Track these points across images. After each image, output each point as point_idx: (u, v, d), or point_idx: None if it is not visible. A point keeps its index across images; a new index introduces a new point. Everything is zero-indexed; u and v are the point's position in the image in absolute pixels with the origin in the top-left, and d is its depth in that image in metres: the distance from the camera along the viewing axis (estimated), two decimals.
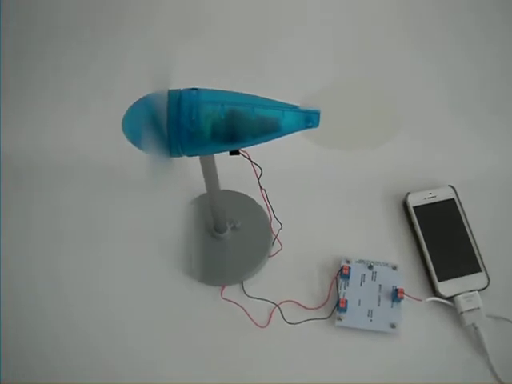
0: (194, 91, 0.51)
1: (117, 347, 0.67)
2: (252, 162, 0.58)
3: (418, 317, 0.68)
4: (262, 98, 0.52)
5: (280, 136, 0.51)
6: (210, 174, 0.59)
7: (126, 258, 0.73)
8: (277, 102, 0.52)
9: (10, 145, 0.83)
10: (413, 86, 0.80)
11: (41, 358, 0.67)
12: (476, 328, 0.66)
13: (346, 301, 0.67)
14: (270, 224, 0.73)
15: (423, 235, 0.71)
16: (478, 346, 0.65)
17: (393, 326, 0.67)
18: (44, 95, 0.84)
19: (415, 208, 0.73)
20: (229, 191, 0.76)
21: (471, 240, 0.71)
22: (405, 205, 0.75)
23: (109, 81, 0.80)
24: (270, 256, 0.72)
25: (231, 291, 0.70)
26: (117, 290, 0.71)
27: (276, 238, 0.72)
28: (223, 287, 0.70)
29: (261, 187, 0.64)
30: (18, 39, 0.82)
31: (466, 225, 0.72)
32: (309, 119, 0.51)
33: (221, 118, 0.50)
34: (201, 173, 0.62)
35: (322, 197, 0.77)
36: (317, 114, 0.51)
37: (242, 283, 0.71)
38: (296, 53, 0.80)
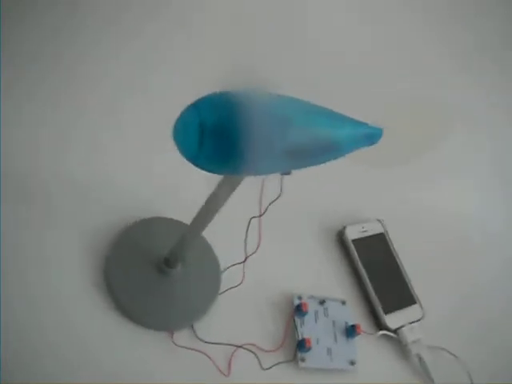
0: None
1: None
2: None
3: (370, 351, 0.68)
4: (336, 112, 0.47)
5: (341, 155, 0.47)
6: (220, 199, 0.51)
7: None
8: (348, 118, 0.47)
9: None
10: None
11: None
12: (421, 358, 0.68)
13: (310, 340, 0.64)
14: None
15: (364, 269, 0.72)
16: (425, 375, 0.68)
17: (352, 362, 0.65)
18: None
19: (353, 241, 0.74)
20: (165, 218, 0.66)
21: (403, 273, 0.74)
22: (340, 238, 0.75)
23: None
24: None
25: (181, 336, 0.61)
26: None
27: None
28: (172, 332, 0.61)
29: None
30: None
31: (396, 258, 0.75)
32: (371, 136, 0.48)
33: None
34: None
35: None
36: (380, 131, 0.48)
37: (193, 326, 0.62)
38: None
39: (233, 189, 0.49)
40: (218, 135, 0.40)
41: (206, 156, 0.40)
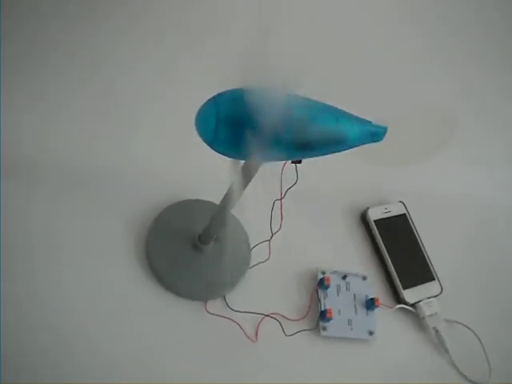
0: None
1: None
2: None
3: (388, 323, 0.73)
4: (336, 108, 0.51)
5: (346, 149, 0.52)
6: (244, 181, 0.57)
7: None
8: (352, 116, 0.52)
9: None
10: None
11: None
12: (437, 331, 0.74)
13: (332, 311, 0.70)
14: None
15: (385, 247, 0.77)
16: (440, 346, 0.73)
17: (371, 333, 0.71)
18: None
19: (375, 222, 0.79)
20: (200, 200, 0.74)
21: (423, 251, 0.79)
22: (364, 218, 0.80)
23: None
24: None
25: (213, 305, 0.68)
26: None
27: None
28: (206, 301, 0.68)
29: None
30: None
31: (417, 237, 0.80)
32: (375, 134, 0.52)
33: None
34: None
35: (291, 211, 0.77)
36: (384, 129, 0.52)
37: (225, 296, 0.69)
38: None
39: (252, 173, 0.55)
40: (230, 125, 0.47)
41: (220, 141, 0.48)
